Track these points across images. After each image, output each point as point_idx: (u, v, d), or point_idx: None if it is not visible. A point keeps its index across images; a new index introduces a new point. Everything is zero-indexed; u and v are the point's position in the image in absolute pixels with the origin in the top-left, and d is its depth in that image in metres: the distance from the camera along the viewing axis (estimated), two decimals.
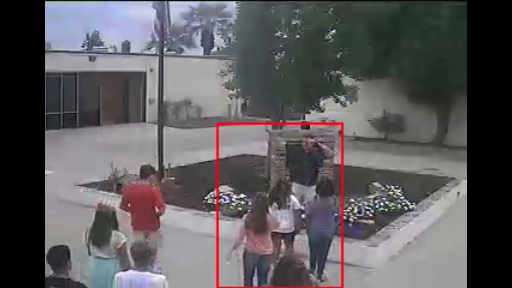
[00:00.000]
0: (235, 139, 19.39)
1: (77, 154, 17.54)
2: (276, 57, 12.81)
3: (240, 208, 9.59)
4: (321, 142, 9.86)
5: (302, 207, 7.65)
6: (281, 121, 13.16)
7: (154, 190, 7.23)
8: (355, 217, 9.37)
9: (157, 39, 12.32)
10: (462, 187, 12.41)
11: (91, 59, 25.16)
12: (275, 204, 7.22)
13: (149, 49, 42.04)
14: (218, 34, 44.95)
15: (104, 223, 5.72)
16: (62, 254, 4.45)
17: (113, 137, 22.15)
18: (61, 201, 11.32)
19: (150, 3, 11.70)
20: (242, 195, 10.11)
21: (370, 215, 9.65)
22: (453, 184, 12.90)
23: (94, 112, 25.47)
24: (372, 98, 20.18)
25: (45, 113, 17.00)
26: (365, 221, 9.38)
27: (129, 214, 7.16)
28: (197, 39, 47.31)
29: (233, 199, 10.10)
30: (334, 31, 12.81)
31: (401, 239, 9.16)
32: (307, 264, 6.88)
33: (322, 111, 13.95)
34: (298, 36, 12.64)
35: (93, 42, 47.84)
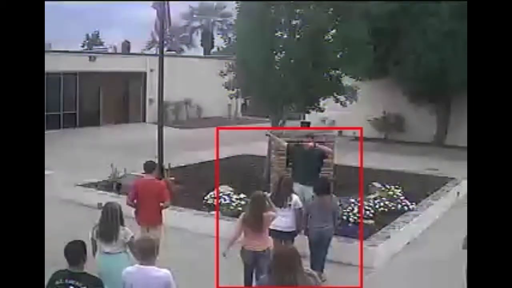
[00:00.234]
0: (235, 139, 19.39)
1: (77, 154, 17.53)
2: (276, 57, 12.80)
3: (240, 208, 9.58)
4: (321, 142, 9.87)
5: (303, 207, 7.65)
6: (281, 121, 13.15)
7: (161, 183, 7.74)
8: (355, 217, 9.37)
9: (157, 39, 12.33)
10: (462, 187, 12.42)
11: (91, 59, 25.15)
12: (277, 202, 7.24)
13: (149, 49, 42.08)
14: (218, 34, 44.86)
15: (112, 219, 5.87)
16: (79, 249, 4.59)
17: (113, 137, 22.15)
18: (61, 201, 11.33)
19: (150, 3, 11.70)
20: (242, 195, 10.11)
21: (370, 215, 9.64)
22: (453, 184, 12.90)
23: (94, 112, 25.46)
24: (372, 98, 20.20)
25: (45, 113, 17.02)
26: (365, 221, 9.37)
27: (133, 210, 7.44)
28: (197, 39, 47.30)
29: (233, 199, 10.10)
30: (334, 31, 12.81)
31: (401, 239, 9.16)
32: (307, 264, 6.89)
33: (322, 111, 13.95)
34: (298, 36, 12.63)
35: (93, 42, 47.88)
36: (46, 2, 4.76)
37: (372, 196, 10.63)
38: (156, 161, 11.55)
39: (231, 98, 14.96)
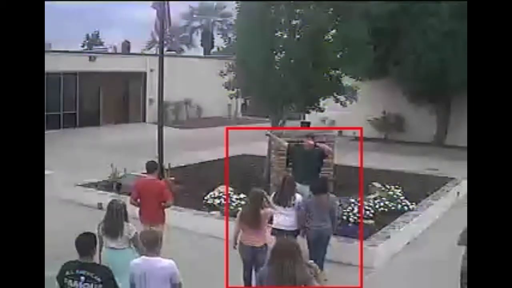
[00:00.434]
0: (235, 139, 19.39)
1: (77, 154, 17.54)
2: (276, 57, 12.80)
3: (240, 208, 9.56)
4: (321, 142, 9.87)
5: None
6: (281, 121, 13.15)
7: (162, 183, 7.90)
8: (355, 217, 9.37)
9: (157, 39, 12.33)
10: (462, 187, 12.42)
11: (91, 59, 25.16)
12: (281, 202, 7.38)
13: (149, 49, 42.05)
14: (218, 34, 44.87)
15: (116, 216, 6.08)
16: (89, 241, 4.73)
17: (113, 137, 22.15)
18: (61, 201, 11.32)
19: (150, 3, 11.70)
20: (242, 195, 10.11)
21: (370, 215, 9.64)
22: (453, 184, 12.89)
23: (94, 112, 25.46)
24: (372, 98, 20.20)
25: (45, 113, 17.02)
26: (365, 221, 9.37)
27: (137, 208, 7.60)
28: (197, 39, 47.29)
29: (233, 199, 10.12)
30: (334, 31, 12.80)
31: (401, 239, 9.16)
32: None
33: (322, 111, 13.95)
34: (298, 36, 12.63)
35: (93, 42, 47.88)
36: (46, 2, 4.76)
37: (372, 196, 10.63)
38: (157, 161, 11.59)
39: (231, 98, 14.96)
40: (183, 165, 14.10)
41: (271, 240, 6.66)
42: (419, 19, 18.09)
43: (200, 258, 8.23)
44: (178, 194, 10.77)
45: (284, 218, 7.35)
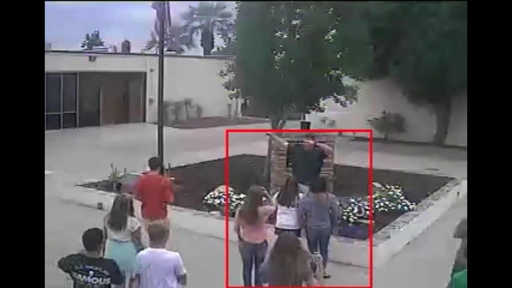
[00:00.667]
0: (235, 139, 19.39)
1: (77, 154, 17.54)
2: (276, 57, 12.80)
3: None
4: (321, 142, 9.87)
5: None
6: (281, 121, 13.15)
7: (164, 181, 8.10)
8: (355, 217, 9.36)
9: (157, 39, 12.32)
10: (462, 187, 12.41)
11: (91, 59, 25.16)
12: (284, 202, 7.47)
13: (149, 49, 42.04)
14: (218, 34, 44.87)
15: (122, 209, 6.29)
16: (96, 236, 4.93)
17: (113, 137, 22.16)
18: (61, 201, 11.32)
19: (150, 3, 11.70)
20: (242, 195, 10.10)
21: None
22: (453, 184, 12.89)
23: (94, 112, 25.47)
24: (372, 98, 20.19)
25: (45, 113, 17.02)
26: (365, 221, 9.37)
27: (140, 203, 7.75)
28: (197, 39, 47.29)
29: (233, 199, 10.12)
30: (334, 31, 12.81)
31: (401, 239, 9.16)
32: None
33: (322, 111, 13.95)
34: (298, 36, 12.63)
35: (93, 42, 47.85)
36: (46, 2, 4.76)
37: (372, 196, 10.62)
38: None
39: (231, 98, 14.96)
40: (183, 165, 14.10)
41: (273, 239, 6.70)
42: (419, 19, 18.09)
43: (200, 258, 8.22)
44: (178, 194, 10.78)
45: (287, 218, 7.44)
